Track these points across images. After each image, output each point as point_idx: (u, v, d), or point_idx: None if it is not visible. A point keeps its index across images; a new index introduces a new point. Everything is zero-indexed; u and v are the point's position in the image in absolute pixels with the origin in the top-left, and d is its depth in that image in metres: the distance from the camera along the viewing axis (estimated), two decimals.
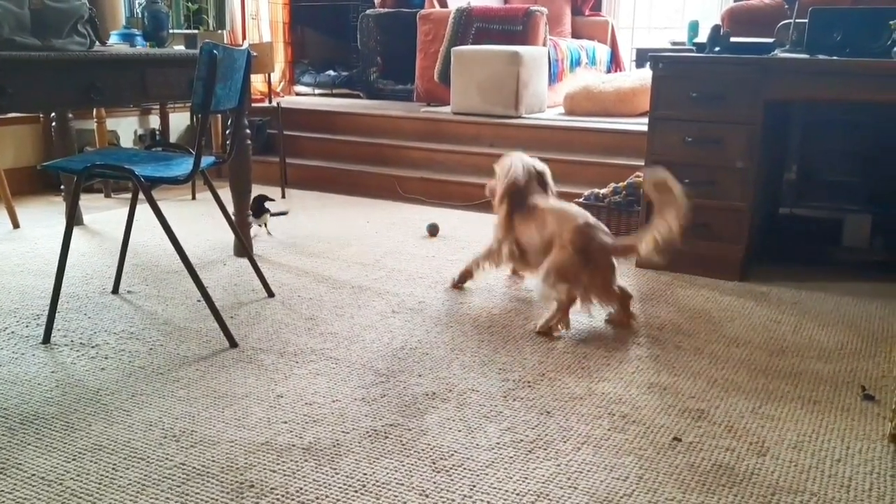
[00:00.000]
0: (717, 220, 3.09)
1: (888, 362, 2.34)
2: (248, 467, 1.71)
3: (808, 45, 3.05)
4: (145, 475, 1.67)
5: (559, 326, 2.54)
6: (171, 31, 3.58)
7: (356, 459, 1.75)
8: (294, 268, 3.21)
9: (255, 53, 2.81)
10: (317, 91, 6.66)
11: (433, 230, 3.79)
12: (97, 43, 2.80)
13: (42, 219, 3.99)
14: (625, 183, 3.55)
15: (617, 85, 5.00)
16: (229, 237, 3.59)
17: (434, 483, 1.66)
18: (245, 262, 3.20)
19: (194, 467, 1.70)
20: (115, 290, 2.87)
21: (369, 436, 1.85)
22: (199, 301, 2.75)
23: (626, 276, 3.15)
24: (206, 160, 2.51)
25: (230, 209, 3.22)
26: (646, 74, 4.86)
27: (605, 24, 6.35)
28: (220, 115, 4.94)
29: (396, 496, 1.61)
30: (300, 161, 5.06)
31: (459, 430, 1.88)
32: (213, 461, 1.73)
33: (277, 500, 1.59)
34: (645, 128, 3.22)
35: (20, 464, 1.71)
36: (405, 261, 3.34)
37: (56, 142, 3.78)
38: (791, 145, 3.77)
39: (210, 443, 1.81)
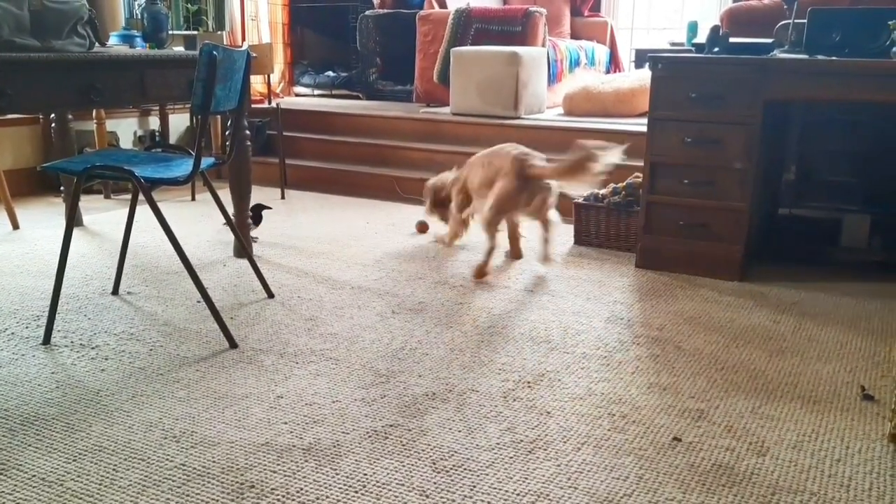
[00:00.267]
0: (717, 220, 3.09)
1: (888, 362, 2.34)
2: (249, 468, 1.71)
3: (807, 45, 3.05)
4: (146, 476, 1.67)
5: (487, 269, 3.08)
6: (170, 32, 3.58)
7: (356, 460, 1.75)
8: (294, 268, 3.21)
9: (254, 54, 2.81)
10: (316, 92, 6.66)
11: (422, 227, 3.81)
12: (97, 44, 2.80)
13: (42, 220, 3.99)
14: (624, 183, 3.55)
15: (616, 85, 5.01)
16: (229, 238, 3.59)
17: (434, 483, 1.66)
18: (245, 262, 3.21)
19: (195, 468, 1.71)
20: (115, 291, 2.87)
21: (369, 436, 1.85)
22: (198, 302, 2.76)
23: (625, 276, 3.16)
24: (206, 161, 2.52)
25: (230, 210, 3.22)
26: (645, 75, 4.86)
27: (604, 24, 6.35)
28: (219, 117, 4.94)
29: (397, 496, 1.61)
30: (300, 162, 5.06)
31: (459, 431, 1.88)
32: (214, 462, 1.73)
33: (278, 500, 1.59)
34: (644, 128, 3.22)
35: (21, 465, 1.71)
36: (405, 261, 3.34)
37: (56, 143, 3.78)
38: (790, 145, 3.77)
39: (210, 443, 1.81)
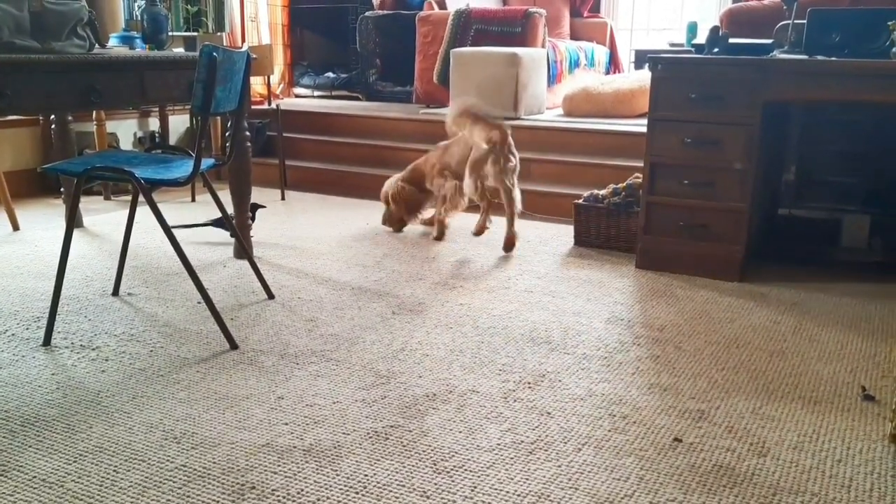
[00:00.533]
0: (717, 220, 3.09)
1: (888, 362, 2.34)
2: (249, 469, 1.71)
3: (807, 46, 3.05)
4: (146, 477, 1.67)
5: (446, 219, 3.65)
6: (170, 33, 3.58)
7: (357, 461, 1.75)
8: (294, 269, 3.21)
9: (254, 56, 2.81)
10: (316, 93, 6.66)
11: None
12: (96, 45, 2.80)
13: (42, 221, 3.99)
14: (624, 184, 3.55)
15: (616, 86, 5.01)
16: (229, 239, 3.59)
17: (435, 484, 1.66)
18: (245, 263, 3.21)
19: (195, 469, 1.71)
20: (116, 293, 2.87)
21: (370, 437, 1.85)
22: (199, 303, 2.76)
23: (625, 277, 3.16)
24: (206, 162, 2.52)
25: (230, 211, 3.22)
26: (644, 76, 4.86)
27: (604, 25, 6.35)
28: (219, 118, 4.94)
29: (397, 497, 1.61)
30: (300, 163, 5.06)
31: (460, 432, 1.88)
32: (214, 463, 1.73)
33: (278, 501, 1.59)
34: (644, 129, 3.22)
35: (21, 466, 1.71)
36: (405, 262, 3.34)
37: (56, 144, 3.78)
38: (790, 146, 3.77)
39: (211, 444, 1.81)
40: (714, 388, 2.15)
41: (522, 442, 1.84)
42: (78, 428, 1.88)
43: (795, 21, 3.20)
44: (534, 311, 2.74)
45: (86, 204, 4.35)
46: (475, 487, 1.65)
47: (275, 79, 6.32)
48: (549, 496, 1.62)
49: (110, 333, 2.49)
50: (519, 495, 1.63)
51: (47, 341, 2.39)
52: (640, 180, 3.40)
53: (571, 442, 1.85)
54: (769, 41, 3.20)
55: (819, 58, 2.95)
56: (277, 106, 5.00)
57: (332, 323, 2.60)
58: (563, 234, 3.81)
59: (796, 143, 3.75)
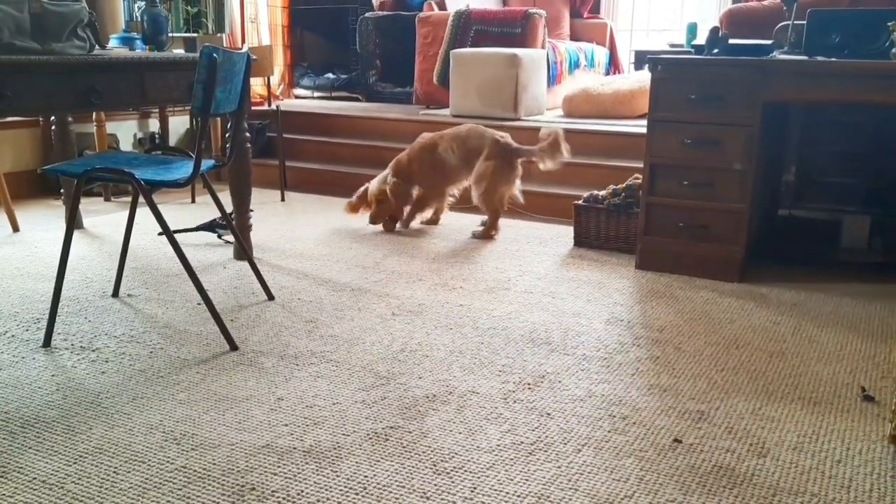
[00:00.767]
0: (717, 221, 3.10)
1: (888, 363, 2.35)
2: (249, 470, 1.71)
3: (807, 46, 3.05)
4: (146, 478, 1.67)
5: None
6: (170, 34, 3.58)
7: (357, 462, 1.75)
8: (294, 270, 3.21)
9: (254, 57, 2.81)
10: (316, 94, 6.66)
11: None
12: (97, 47, 2.80)
13: (42, 222, 4.00)
14: (624, 185, 3.56)
15: (616, 87, 5.01)
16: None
17: (435, 485, 1.66)
18: (245, 265, 3.21)
19: (195, 470, 1.71)
20: (116, 294, 2.87)
21: (370, 438, 1.85)
22: (199, 304, 2.76)
23: (625, 277, 3.16)
24: (206, 163, 2.52)
25: (230, 212, 3.22)
26: (644, 76, 4.86)
27: (604, 26, 6.35)
28: (219, 119, 4.95)
29: (397, 498, 1.61)
30: (300, 164, 5.06)
31: (460, 433, 1.88)
32: (214, 464, 1.73)
33: (278, 502, 1.59)
34: (644, 130, 3.22)
35: (21, 467, 1.71)
36: (405, 263, 3.34)
37: (56, 145, 3.78)
38: (789, 146, 3.77)
39: (211, 446, 1.81)
40: (714, 389, 2.15)
41: (522, 443, 1.84)
42: (78, 429, 1.88)
43: (795, 22, 3.20)
44: (534, 312, 2.74)
45: (86, 205, 4.35)
46: (475, 488, 1.65)
47: (275, 80, 6.32)
48: (549, 497, 1.62)
49: (110, 335, 2.49)
50: (519, 496, 1.63)
51: (47, 343, 2.40)
52: (639, 181, 3.40)
53: (571, 443, 1.85)
54: (769, 42, 3.20)
55: (819, 58, 2.95)
56: (277, 107, 5.00)
57: (332, 324, 2.60)
58: (562, 235, 3.81)
59: (796, 143, 3.75)
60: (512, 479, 1.69)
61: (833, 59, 2.91)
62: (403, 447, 1.81)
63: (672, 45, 5.33)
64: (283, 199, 4.68)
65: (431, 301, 2.84)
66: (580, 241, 3.64)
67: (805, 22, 3.07)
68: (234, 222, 3.20)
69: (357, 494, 1.62)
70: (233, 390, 2.10)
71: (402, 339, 2.47)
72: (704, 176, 3.09)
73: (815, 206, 3.69)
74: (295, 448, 1.80)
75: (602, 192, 3.61)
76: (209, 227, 3.69)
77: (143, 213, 3.32)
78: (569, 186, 4.18)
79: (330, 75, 6.63)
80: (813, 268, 3.31)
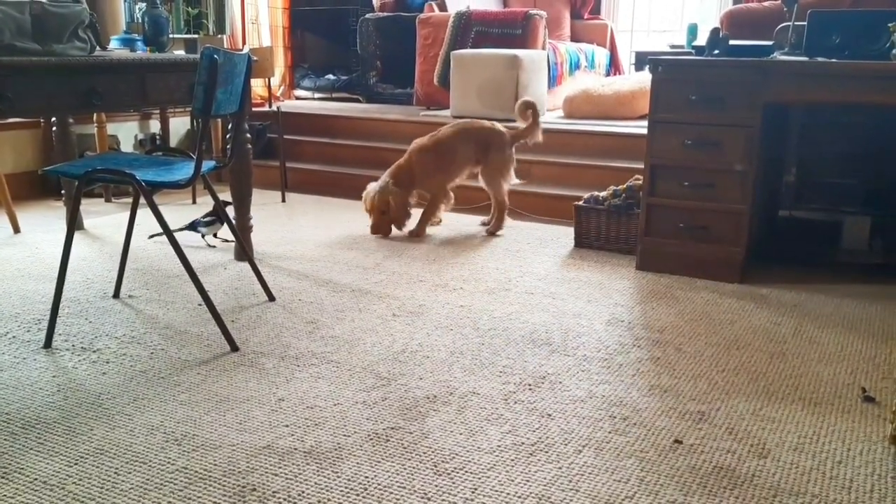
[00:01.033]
0: (717, 222, 3.10)
1: (888, 364, 2.34)
2: (250, 471, 1.71)
3: (807, 47, 3.05)
4: (147, 479, 1.67)
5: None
6: (171, 35, 3.58)
7: (358, 463, 1.75)
8: (294, 271, 3.21)
9: (255, 58, 2.82)
10: (317, 95, 6.67)
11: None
12: (98, 48, 2.81)
13: (43, 223, 4.00)
14: (624, 186, 3.56)
15: (616, 88, 5.01)
16: (232, 241, 3.60)
17: (436, 486, 1.66)
18: (245, 265, 3.21)
19: (196, 471, 1.71)
20: (116, 295, 2.88)
21: (371, 439, 1.85)
22: (199, 305, 2.76)
23: (625, 278, 3.16)
24: (207, 164, 2.52)
25: (231, 213, 3.23)
26: (645, 77, 4.86)
27: (604, 27, 6.36)
28: (220, 120, 4.95)
29: (398, 499, 1.61)
30: (300, 165, 5.07)
31: (461, 433, 1.88)
32: (215, 465, 1.73)
33: (279, 503, 1.59)
34: (644, 131, 3.22)
35: (22, 468, 1.72)
36: (405, 264, 3.34)
37: (56, 146, 3.79)
38: (790, 147, 3.77)
39: (212, 446, 1.81)
40: (714, 390, 2.15)
41: (523, 444, 1.84)
42: (79, 430, 1.88)
43: (796, 23, 3.20)
44: (534, 313, 2.74)
45: (87, 206, 4.36)
46: (476, 489, 1.65)
47: (275, 81, 6.33)
48: (549, 498, 1.62)
49: (111, 336, 2.49)
50: (520, 497, 1.63)
51: (48, 344, 2.40)
52: (640, 182, 3.40)
53: (572, 444, 1.85)
54: (769, 43, 3.20)
55: (819, 59, 2.96)
56: (278, 108, 5.01)
57: (333, 325, 2.60)
58: (563, 236, 3.81)
59: (797, 144, 3.75)
60: (513, 480, 1.69)
61: (833, 60, 2.91)
62: (404, 448, 1.81)
63: (673, 46, 5.33)
64: (283, 200, 4.69)
65: (432, 302, 2.84)
66: (581, 241, 3.64)
67: (805, 23, 3.07)
68: (234, 223, 3.20)
69: (358, 495, 1.62)
70: (234, 391, 2.10)
71: (403, 340, 2.47)
72: (705, 177, 3.09)
73: (816, 207, 3.69)
74: (296, 449, 1.80)
75: (602, 193, 3.61)
76: (191, 227, 3.63)
77: (144, 214, 3.32)
78: (569, 187, 4.19)
79: (330, 76, 6.63)
80: (813, 269, 3.31)
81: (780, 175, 3.80)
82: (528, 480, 1.69)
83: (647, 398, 2.09)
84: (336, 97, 6.54)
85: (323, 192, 4.88)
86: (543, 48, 5.22)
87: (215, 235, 3.67)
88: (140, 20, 3.58)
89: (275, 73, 5.92)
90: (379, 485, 1.66)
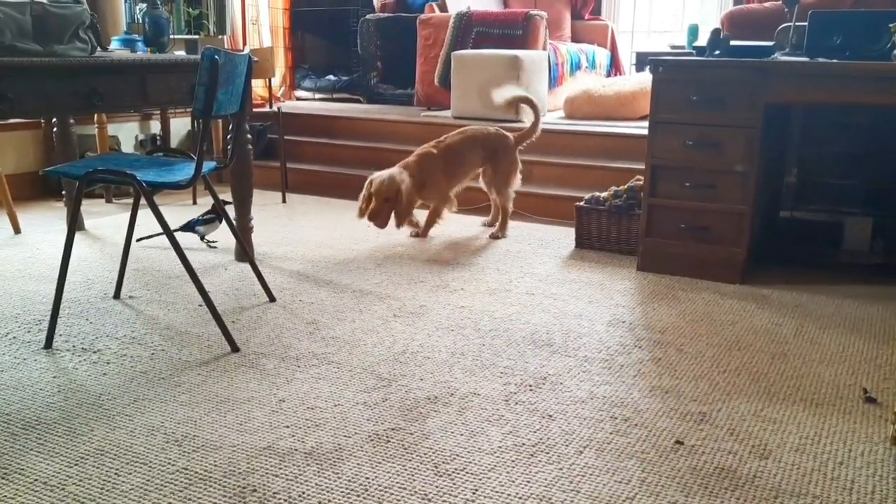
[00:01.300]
0: (718, 223, 3.09)
1: (890, 365, 2.34)
2: (251, 472, 1.71)
3: (808, 48, 3.05)
4: (147, 480, 1.67)
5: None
6: (171, 36, 3.59)
7: (358, 464, 1.75)
8: (295, 272, 3.21)
9: (255, 59, 2.81)
10: (317, 96, 6.67)
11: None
12: (98, 49, 2.81)
13: (43, 224, 4.00)
14: (625, 186, 3.55)
15: (617, 88, 5.01)
16: (230, 241, 3.59)
17: (436, 487, 1.66)
18: (246, 266, 3.21)
19: (196, 472, 1.71)
20: (117, 296, 2.88)
21: (371, 440, 1.85)
22: (200, 306, 2.76)
23: (626, 279, 3.16)
24: (208, 165, 2.52)
25: (231, 214, 3.22)
26: (646, 78, 4.86)
27: (605, 27, 6.35)
28: (221, 121, 4.95)
29: (399, 500, 1.61)
30: (301, 166, 5.07)
31: (461, 434, 1.88)
32: (216, 466, 1.73)
33: None
34: (645, 131, 3.22)
35: (23, 469, 1.71)
36: (406, 265, 3.34)
37: (57, 147, 3.79)
38: (791, 148, 3.77)
39: (212, 447, 1.81)
40: (715, 391, 2.15)
41: (524, 444, 1.84)
42: (79, 431, 1.88)
43: (796, 23, 3.20)
44: (535, 314, 2.74)
45: (87, 207, 4.36)
46: (477, 490, 1.65)
47: (276, 82, 6.33)
48: (550, 499, 1.62)
49: (112, 336, 2.49)
50: (520, 498, 1.62)
51: (49, 344, 2.40)
52: (641, 182, 3.40)
53: (573, 444, 1.84)
54: (770, 43, 3.20)
55: (820, 60, 2.95)
56: (279, 109, 5.01)
57: (334, 326, 2.60)
58: (564, 237, 3.81)
59: (797, 145, 3.75)
60: (514, 481, 1.69)
61: (834, 61, 2.91)
62: (405, 449, 1.81)
63: (673, 47, 5.34)
64: (284, 201, 4.69)
65: (433, 303, 2.84)
66: (582, 242, 3.64)
67: (806, 23, 3.07)
68: (234, 223, 3.20)
69: (358, 496, 1.62)
70: (234, 392, 2.10)
71: (404, 341, 2.47)
72: (706, 177, 3.08)
73: (817, 208, 3.68)
74: (296, 450, 1.80)
75: (603, 194, 3.61)
76: (187, 227, 3.56)
77: (145, 215, 3.32)
78: (570, 188, 4.19)
79: (331, 77, 6.64)
80: (814, 269, 3.31)
81: (781, 176, 3.79)
82: (528, 481, 1.69)
83: (649, 399, 2.09)
84: (337, 98, 6.54)
85: (323, 193, 4.88)
86: (544, 49, 5.22)
87: (208, 243, 3.62)
88: (141, 21, 3.58)
89: (275, 74, 5.92)
90: (380, 486, 1.66)
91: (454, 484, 1.67)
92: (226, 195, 3.23)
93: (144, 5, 3.55)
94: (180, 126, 5.48)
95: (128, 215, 2.86)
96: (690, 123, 3.08)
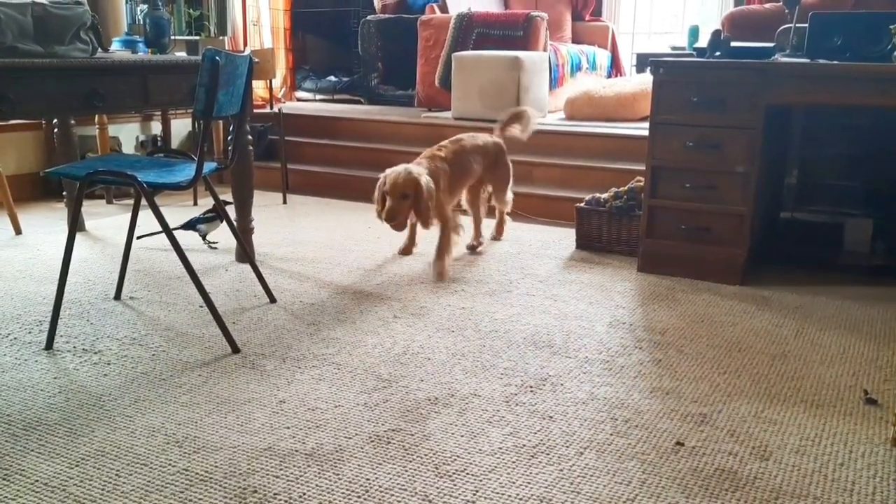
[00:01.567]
0: (719, 224, 3.09)
1: (890, 366, 2.34)
2: (251, 473, 1.71)
3: (809, 49, 3.05)
4: (148, 481, 1.67)
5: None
6: (172, 37, 3.59)
7: (359, 465, 1.75)
8: (296, 273, 3.21)
9: (256, 60, 2.82)
10: (318, 97, 6.67)
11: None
12: (99, 50, 2.81)
13: (44, 225, 4.00)
14: (626, 187, 3.55)
15: (617, 90, 5.01)
16: (231, 242, 3.60)
17: (437, 488, 1.66)
18: (247, 267, 3.21)
19: (197, 473, 1.71)
20: (118, 297, 2.88)
21: (372, 441, 1.85)
22: (201, 307, 2.76)
23: (627, 280, 3.16)
24: (208, 166, 2.52)
25: (232, 215, 3.23)
26: (646, 79, 4.86)
27: (606, 29, 6.36)
28: (221, 122, 4.95)
29: (399, 501, 1.61)
30: (301, 167, 5.07)
31: (462, 435, 1.88)
32: (216, 467, 1.73)
33: None
34: (646, 132, 3.22)
35: (23, 470, 1.72)
36: (406, 266, 3.34)
37: (58, 148, 3.79)
38: (791, 149, 3.77)
39: (213, 448, 1.81)
40: (716, 392, 2.15)
41: (524, 446, 1.84)
42: (80, 432, 1.88)
43: (797, 25, 3.20)
44: (535, 315, 2.74)
45: (88, 208, 4.36)
46: (477, 491, 1.65)
47: (277, 83, 6.33)
48: (551, 500, 1.62)
49: (112, 337, 2.49)
50: (521, 499, 1.62)
51: (49, 345, 2.40)
52: (641, 184, 3.40)
53: (573, 446, 1.84)
54: (771, 45, 3.20)
55: (821, 61, 2.95)
56: (279, 110, 5.01)
57: (334, 326, 2.60)
58: (564, 238, 3.81)
59: (798, 146, 3.75)
60: (514, 482, 1.69)
61: (835, 63, 2.91)
62: (405, 450, 1.81)
63: (674, 48, 5.34)
64: (284, 202, 4.69)
65: (433, 304, 2.84)
66: (582, 243, 3.64)
67: (807, 25, 3.07)
68: (235, 224, 3.20)
69: (359, 497, 1.62)
70: (235, 393, 2.10)
71: (404, 342, 2.47)
72: (706, 179, 3.09)
73: (818, 209, 3.69)
74: (297, 451, 1.80)
75: (604, 195, 3.61)
76: (189, 226, 3.52)
77: (145, 216, 3.32)
78: (571, 189, 4.19)
79: (332, 78, 6.64)
80: (815, 271, 3.31)
81: (782, 177, 3.80)
82: (529, 482, 1.69)
83: (649, 400, 2.09)
84: (337, 99, 6.54)
85: (324, 194, 4.88)
86: (545, 50, 5.22)
87: (209, 243, 3.62)
88: (142, 22, 3.58)
89: (276, 75, 5.92)
90: (380, 487, 1.66)
91: (455, 485, 1.67)
92: (226, 196, 3.24)
93: (145, 6, 3.55)
94: (181, 127, 5.49)
95: (128, 216, 2.86)
96: (691, 125, 3.08)
